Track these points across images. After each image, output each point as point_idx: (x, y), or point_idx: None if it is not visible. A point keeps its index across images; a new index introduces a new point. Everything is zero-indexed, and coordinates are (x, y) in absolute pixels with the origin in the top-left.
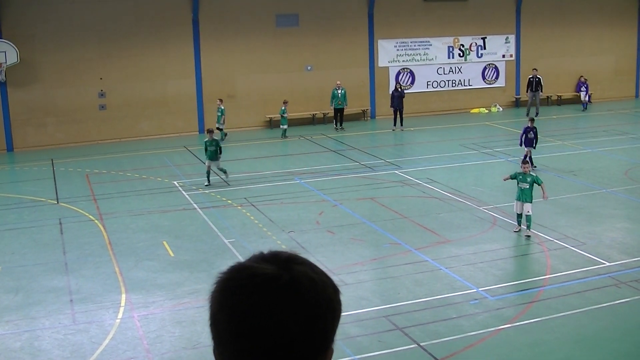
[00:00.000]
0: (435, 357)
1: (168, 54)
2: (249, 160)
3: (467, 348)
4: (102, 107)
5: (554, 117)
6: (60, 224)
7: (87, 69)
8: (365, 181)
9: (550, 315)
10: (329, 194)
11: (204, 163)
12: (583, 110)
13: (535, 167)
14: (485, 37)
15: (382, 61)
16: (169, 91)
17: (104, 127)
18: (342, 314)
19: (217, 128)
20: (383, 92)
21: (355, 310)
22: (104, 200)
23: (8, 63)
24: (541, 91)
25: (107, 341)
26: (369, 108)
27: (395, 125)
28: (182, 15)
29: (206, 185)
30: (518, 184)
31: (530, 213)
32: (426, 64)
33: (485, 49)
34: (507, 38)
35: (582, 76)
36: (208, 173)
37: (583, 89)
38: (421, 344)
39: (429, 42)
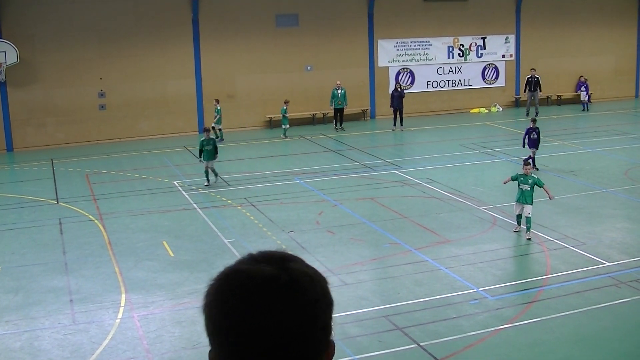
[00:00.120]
0: (435, 357)
1: (168, 54)
2: (249, 160)
3: (467, 348)
4: (102, 107)
5: (554, 117)
6: (60, 224)
7: (87, 69)
8: (365, 181)
9: (550, 315)
10: (328, 194)
11: (200, 161)
12: (583, 111)
13: (537, 169)
14: (485, 37)
15: (382, 61)
16: (168, 91)
17: (104, 127)
18: (342, 314)
19: (218, 129)
20: (383, 92)
21: (355, 310)
22: (104, 200)
23: (8, 63)
24: (540, 91)
25: (107, 341)
26: (369, 108)
27: (395, 125)
28: (182, 15)
29: (206, 185)
30: (519, 185)
31: (530, 215)
32: (426, 64)
33: (485, 49)
34: (507, 38)
35: (582, 76)
36: (206, 173)
37: (583, 89)
38: (421, 344)
39: (428, 42)
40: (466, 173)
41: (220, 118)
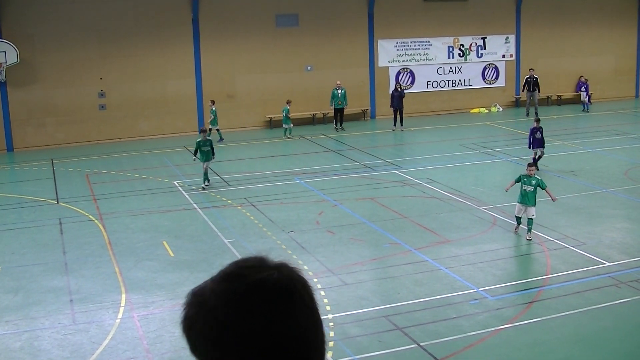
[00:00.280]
0: (435, 357)
1: (168, 54)
2: (249, 160)
3: (467, 348)
4: (102, 107)
5: (554, 117)
6: (60, 224)
7: (87, 69)
8: (365, 181)
9: (550, 315)
10: (328, 194)
11: (194, 159)
12: (583, 111)
13: (538, 169)
14: (485, 37)
15: (382, 61)
16: (168, 91)
17: (104, 127)
18: (342, 314)
19: (216, 129)
20: (383, 92)
21: (355, 310)
22: (104, 200)
23: (8, 63)
24: (538, 91)
25: (107, 341)
26: (369, 108)
27: (395, 125)
28: (182, 15)
29: (206, 185)
30: (522, 186)
31: (534, 216)
32: (426, 64)
33: (485, 49)
34: (507, 38)
35: (582, 76)
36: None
37: (583, 89)
38: (421, 344)
39: (429, 42)
40: (466, 173)
41: (215, 119)
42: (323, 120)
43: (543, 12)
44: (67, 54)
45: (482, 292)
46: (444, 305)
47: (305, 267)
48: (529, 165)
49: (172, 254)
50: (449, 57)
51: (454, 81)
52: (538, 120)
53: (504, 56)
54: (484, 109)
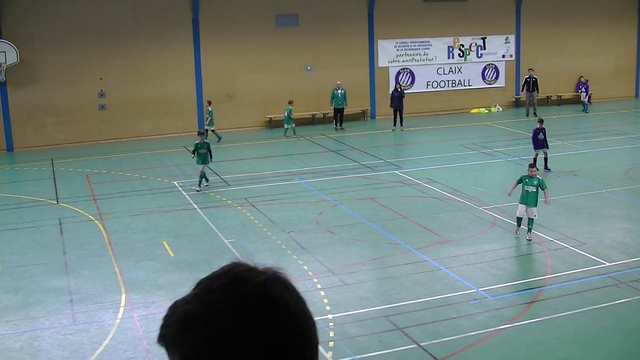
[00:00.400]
0: (435, 357)
1: (168, 54)
2: (249, 160)
3: (467, 348)
4: (102, 107)
5: (554, 117)
6: (60, 224)
7: (87, 69)
8: (365, 181)
9: (550, 316)
10: (329, 194)
11: (192, 157)
12: (583, 111)
13: (538, 169)
14: (485, 37)
15: (382, 61)
16: (168, 91)
17: (104, 127)
18: (342, 314)
19: (211, 130)
20: (383, 92)
21: (355, 310)
22: (104, 201)
23: (8, 63)
24: (537, 91)
25: (107, 341)
26: (369, 108)
27: (395, 125)
28: (182, 15)
29: (206, 186)
30: (524, 187)
31: (536, 217)
32: (426, 64)
33: (485, 49)
34: (507, 38)
35: (582, 76)
36: (204, 176)
37: (583, 89)
38: (421, 344)
39: (429, 42)
40: (466, 173)
41: (212, 120)
42: (323, 120)
43: (543, 12)
44: (67, 54)
45: (482, 292)
46: (444, 305)
47: (305, 267)
48: (530, 165)
49: (172, 254)
50: (449, 57)
51: (454, 81)
52: (541, 121)
53: (504, 56)
54: (484, 109)
